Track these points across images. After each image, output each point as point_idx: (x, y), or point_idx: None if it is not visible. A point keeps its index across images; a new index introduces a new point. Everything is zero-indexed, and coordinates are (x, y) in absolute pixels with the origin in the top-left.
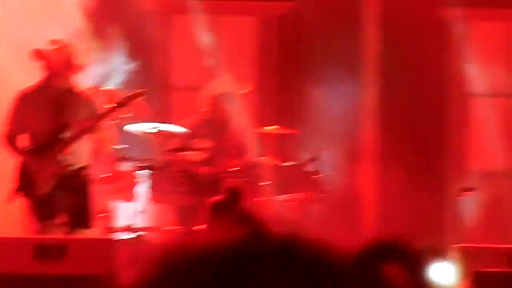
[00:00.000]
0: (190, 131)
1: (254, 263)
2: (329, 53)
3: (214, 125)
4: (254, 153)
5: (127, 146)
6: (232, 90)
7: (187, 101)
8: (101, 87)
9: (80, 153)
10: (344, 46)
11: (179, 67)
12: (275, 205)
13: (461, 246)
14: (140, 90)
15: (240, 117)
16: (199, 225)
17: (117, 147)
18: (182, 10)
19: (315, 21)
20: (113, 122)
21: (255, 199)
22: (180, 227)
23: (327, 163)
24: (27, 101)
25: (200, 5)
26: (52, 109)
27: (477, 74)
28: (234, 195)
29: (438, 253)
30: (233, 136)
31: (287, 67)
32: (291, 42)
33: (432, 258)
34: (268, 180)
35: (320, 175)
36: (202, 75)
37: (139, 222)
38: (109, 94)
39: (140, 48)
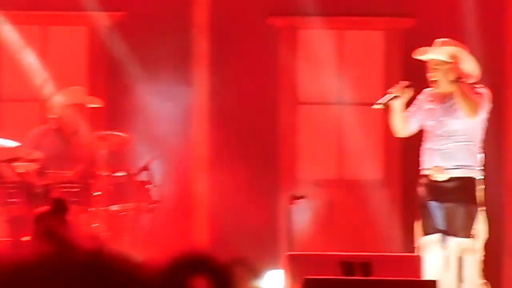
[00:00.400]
0: (27, 141)
1: (60, 278)
2: (160, 61)
3: (60, 135)
4: (90, 163)
5: None
6: (81, 102)
7: (16, 112)
8: None
9: None
10: (175, 53)
11: (8, 79)
12: (107, 215)
13: (293, 254)
14: None
15: (86, 128)
16: (26, 236)
17: None
18: (12, 21)
19: (145, 28)
20: None
21: (86, 210)
22: (10, 238)
23: (159, 171)
24: None
25: (32, 16)
26: None
27: (307, 83)
28: (58, 206)
29: (252, 268)
30: (78, 146)
31: (118, 76)
32: (121, 50)
33: (245, 272)
34: (101, 190)
35: (152, 184)
36: (32, 86)
37: None
38: None
39: None
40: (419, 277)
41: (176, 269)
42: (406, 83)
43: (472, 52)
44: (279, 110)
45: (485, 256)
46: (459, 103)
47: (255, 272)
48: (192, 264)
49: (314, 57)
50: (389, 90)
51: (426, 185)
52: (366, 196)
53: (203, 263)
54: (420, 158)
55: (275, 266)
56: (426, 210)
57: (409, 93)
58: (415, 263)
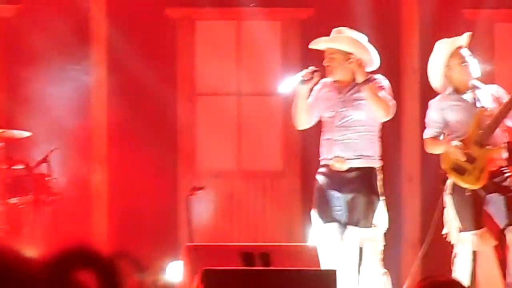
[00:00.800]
0: None
1: None
2: (58, 50)
3: None
4: None
5: None
6: None
7: None
8: None
9: None
10: (73, 42)
11: None
12: (6, 208)
13: (192, 245)
14: None
15: None
16: None
17: None
18: None
19: (43, 18)
20: None
21: None
22: None
23: (58, 163)
24: None
25: None
26: None
27: (205, 73)
28: None
29: (138, 261)
30: None
31: (15, 66)
32: (15, 44)
33: (131, 265)
34: None
35: (52, 177)
36: None
37: None
38: None
39: None
40: (318, 267)
41: (59, 263)
42: (314, 68)
43: (370, 41)
44: (177, 101)
45: (385, 245)
46: (374, 107)
47: (141, 266)
48: (76, 258)
49: (212, 48)
50: (298, 75)
51: (326, 175)
52: (266, 186)
53: (87, 256)
54: (320, 149)
55: (175, 257)
56: (325, 200)
57: (316, 78)
58: (314, 252)
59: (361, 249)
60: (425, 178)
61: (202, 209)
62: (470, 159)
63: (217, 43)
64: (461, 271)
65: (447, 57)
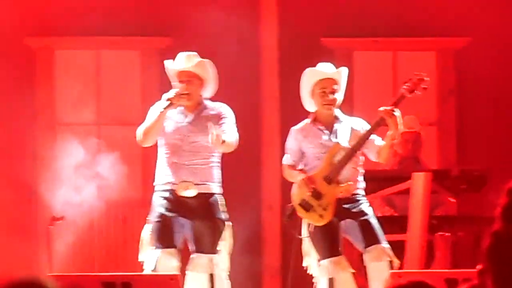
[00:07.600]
0: None
1: None
2: None
3: None
4: None
5: None
6: None
7: None
8: None
9: None
10: None
11: None
12: None
13: (54, 275)
14: None
15: None
16: None
17: None
18: None
19: None
20: None
21: None
22: None
23: None
24: None
25: None
26: None
27: (65, 103)
28: None
29: None
30: None
31: None
32: None
33: None
34: None
35: None
36: None
37: None
38: None
39: None
40: None
41: None
42: (184, 91)
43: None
44: (36, 131)
45: (246, 274)
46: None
47: None
48: None
49: (71, 77)
50: (166, 96)
51: (169, 199)
52: (126, 215)
53: None
54: (165, 173)
55: None
56: (167, 225)
57: (183, 103)
58: (175, 282)
59: (212, 276)
60: (284, 206)
61: (63, 238)
62: (317, 195)
63: (77, 72)
64: None
65: (313, 84)
